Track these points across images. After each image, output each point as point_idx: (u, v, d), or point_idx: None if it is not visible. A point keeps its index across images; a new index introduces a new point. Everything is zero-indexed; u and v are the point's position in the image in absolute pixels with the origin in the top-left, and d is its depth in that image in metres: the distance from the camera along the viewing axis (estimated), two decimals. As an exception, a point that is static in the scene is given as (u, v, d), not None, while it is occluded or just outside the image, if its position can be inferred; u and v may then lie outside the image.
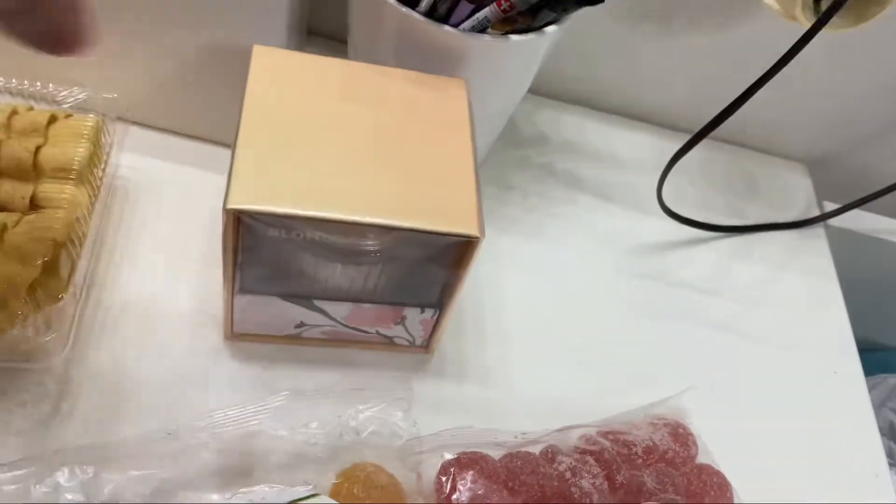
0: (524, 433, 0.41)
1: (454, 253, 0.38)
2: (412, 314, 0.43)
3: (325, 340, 0.44)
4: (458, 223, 0.37)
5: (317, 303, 0.41)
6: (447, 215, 0.37)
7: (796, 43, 0.44)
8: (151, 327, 0.42)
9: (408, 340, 0.45)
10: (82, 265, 0.40)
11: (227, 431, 0.37)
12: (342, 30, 0.52)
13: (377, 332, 0.44)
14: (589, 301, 0.52)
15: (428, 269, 0.40)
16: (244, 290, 0.40)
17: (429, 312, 0.43)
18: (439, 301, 0.42)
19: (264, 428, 0.37)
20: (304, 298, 0.41)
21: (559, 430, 0.42)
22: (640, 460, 0.43)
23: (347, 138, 0.38)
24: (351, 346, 0.45)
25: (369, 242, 0.37)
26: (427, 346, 0.46)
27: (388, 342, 0.45)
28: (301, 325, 0.43)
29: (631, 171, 0.61)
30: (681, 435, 0.45)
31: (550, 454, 0.41)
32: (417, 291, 0.42)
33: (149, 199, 0.47)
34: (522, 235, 0.55)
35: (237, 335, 0.43)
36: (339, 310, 0.42)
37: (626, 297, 0.53)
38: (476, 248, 0.37)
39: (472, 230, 0.37)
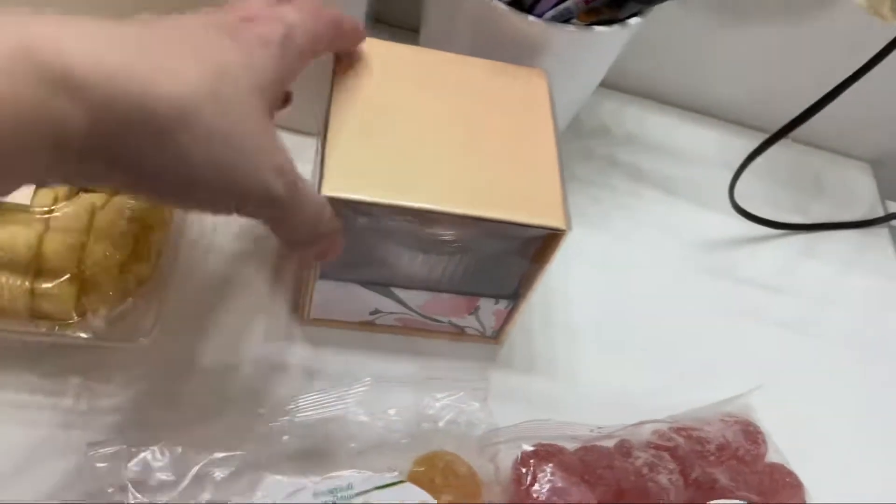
0: (599, 427, 0.41)
1: (537, 245, 0.38)
2: (486, 305, 0.43)
3: (397, 328, 0.44)
4: (545, 215, 0.37)
5: (395, 290, 0.41)
6: (533, 206, 0.37)
7: (890, 43, 0.43)
8: (231, 311, 0.43)
9: (478, 330, 0.45)
10: (168, 249, 0.40)
11: (310, 416, 0.37)
12: (408, 18, 0.52)
13: (449, 322, 0.44)
14: (656, 296, 0.52)
15: (508, 260, 0.40)
16: (325, 276, 0.40)
17: (503, 303, 0.43)
18: (515, 292, 0.42)
19: (346, 413, 0.38)
20: (382, 286, 0.41)
21: (632, 426, 0.42)
22: (713, 457, 0.42)
23: (432, 126, 0.38)
24: (422, 334, 0.45)
25: (454, 232, 0.37)
26: (497, 336, 0.46)
27: (459, 332, 0.45)
28: (376, 311, 0.43)
29: (695, 165, 0.61)
30: (751, 433, 0.45)
31: (626, 449, 0.41)
32: (495, 282, 0.41)
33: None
34: (588, 227, 0.54)
35: (312, 320, 0.43)
36: (416, 298, 0.42)
37: (692, 292, 0.53)
38: (560, 241, 0.37)
39: (558, 223, 0.36)
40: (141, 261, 0.37)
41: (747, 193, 0.56)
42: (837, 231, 0.60)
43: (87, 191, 0.38)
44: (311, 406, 0.38)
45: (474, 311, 0.43)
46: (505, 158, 0.38)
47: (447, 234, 0.38)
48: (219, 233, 0.45)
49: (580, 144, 0.60)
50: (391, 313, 0.43)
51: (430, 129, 0.38)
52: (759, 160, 0.54)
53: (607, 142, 0.60)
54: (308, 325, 0.44)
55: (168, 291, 0.40)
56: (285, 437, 0.37)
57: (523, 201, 0.37)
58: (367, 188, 0.35)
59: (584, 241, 0.53)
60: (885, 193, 0.65)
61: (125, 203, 0.38)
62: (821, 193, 0.63)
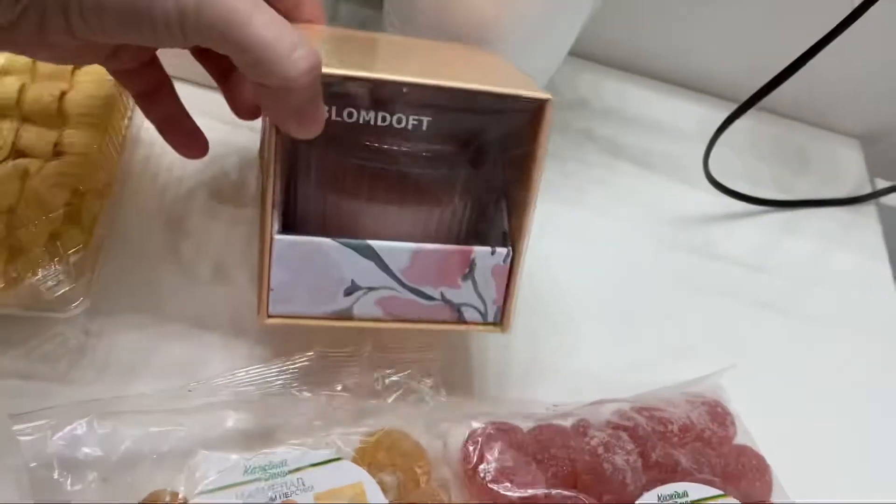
0: (555, 405, 0.39)
1: (519, 147, 0.36)
2: (482, 259, 0.37)
3: (381, 320, 0.37)
4: (525, 89, 0.34)
5: (373, 245, 0.35)
6: (509, 85, 0.34)
7: (856, 9, 0.41)
8: (174, 282, 0.41)
9: (479, 311, 0.38)
10: (105, 217, 0.38)
11: (250, 391, 0.36)
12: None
13: (443, 298, 0.37)
14: (629, 272, 0.50)
15: (491, 177, 0.38)
16: (287, 228, 0.35)
17: (501, 255, 0.37)
18: (506, 237, 0.38)
19: (288, 388, 0.36)
20: (356, 241, 0.36)
21: (592, 404, 0.40)
22: (676, 438, 0.41)
23: (395, 53, 0.38)
24: (413, 326, 0.38)
25: (427, 126, 0.35)
26: (501, 319, 0.38)
27: (457, 317, 0.38)
28: (352, 287, 0.36)
29: (674, 139, 0.59)
30: (719, 414, 0.43)
31: (582, 428, 0.39)
32: (485, 224, 0.39)
33: (173, 151, 0.46)
34: (561, 202, 0.52)
35: (275, 316, 0.35)
36: (399, 257, 0.36)
37: (668, 269, 0.51)
38: (545, 125, 0.34)
39: (541, 94, 0.34)
40: (73, 228, 0.36)
41: (728, 169, 0.55)
42: (822, 208, 0.58)
43: (21, 155, 0.37)
44: (252, 380, 0.36)
45: (469, 270, 0.37)
46: (476, 70, 0.38)
47: (422, 133, 0.35)
48: (164, 198, 0.44)
49: (557, 117, 0.57)
50: (371, 289, 0.36)
51: (393, 54, 0.39)
52: (741, 135, 0.52)
53: (585, 115, 0.58)
54: (271, 325, 0.35)
55: (103, 260, 0.38)
56: (222, 413, 0.35)
57: (498, 81, 0.34)
58: (338, 65, 0.32)
59: (557, 216, 0.51)
60: (874, 170, 0.63)
61: (59, 168, 0.36)
62: (806, 169, 0.61)
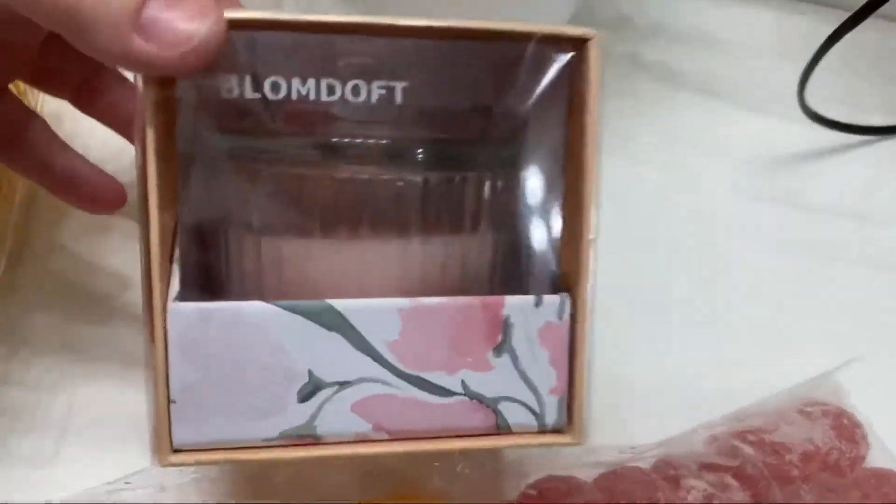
0: (633, 448, 0.29)
1: (554, 108, 0.24)
2: (523, 316, 0.24)
3: (366, 441, 0.23)
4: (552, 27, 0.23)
5: (337, 307, 0.22)
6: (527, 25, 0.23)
7: None
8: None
9: (529, 408, 0.24)
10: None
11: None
12: None
13: (465, 389, 0.24)
14: (701, 238, 0.39)
15: (520, 182, 0.25)
16: (186, 287, 0.23)
17: (551, 306, 0.24)
18: (559, 276, 0.25)
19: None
20: (310, 303, 0.23)
21: (679, 437, 0.30)
22: (797, 472, 0.30)
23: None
24: (418, 448, 0.24)
25: (403, 95, 0.23)
26: (569, 419, 0.24)
27: (493, 424, 0.24)
28: (311, 384, 0.23)
29: (745, 59, 0.47)
30: (846, 428, 0.33)
31: (672, 473, 0.28)
32: (517, 260, 0.26)
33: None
34: (605, 153, 0.41)
35: (184, 451, 0.22)
36: (383, 322, 0.23)
37: (749, 228, 0.40)
38: (593, 78, 0.23)
39: (576, 30, 0.23)
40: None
41: (815, 91, 0.43)
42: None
43: None
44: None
45: (504, 337, 0.24)
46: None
47: (399, 123, 0.23)
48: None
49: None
50: (342, 384, 0.23)
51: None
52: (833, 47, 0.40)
53: (628, 36, 0.46)
54: (174, 466, 0.22)
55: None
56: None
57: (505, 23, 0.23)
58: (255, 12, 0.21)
59: (604, 171, 0.40)
60: None
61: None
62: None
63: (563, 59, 0.23)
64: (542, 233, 0.26)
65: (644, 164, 0.41)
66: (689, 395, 0.33)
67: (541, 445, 0.24)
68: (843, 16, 0.39)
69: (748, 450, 0.30)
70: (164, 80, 0.21)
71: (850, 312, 0.38)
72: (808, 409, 0.32)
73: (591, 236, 0.23)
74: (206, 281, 0.24)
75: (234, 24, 0.20)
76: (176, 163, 0.22)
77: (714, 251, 0.39)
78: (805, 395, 0.33)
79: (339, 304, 0.22)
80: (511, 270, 0.26)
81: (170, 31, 0.19)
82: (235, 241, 0.24)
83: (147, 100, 0.21)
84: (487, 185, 0.25)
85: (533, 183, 0.25)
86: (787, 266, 0.39)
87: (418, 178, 0.24)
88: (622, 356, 0.34)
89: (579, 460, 0.28)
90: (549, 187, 0.25)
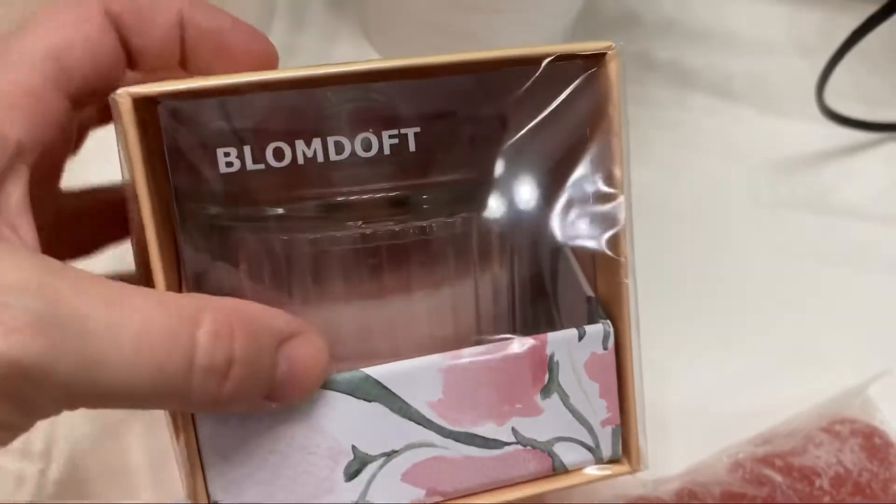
0: (655, 479, 0.27)
1: (569, 128, 0.23)
2: (567, 351, 0.23)
3: None
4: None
5: (374, 376, 0.21)
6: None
7: None
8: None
9: (584, 445, 0.23)
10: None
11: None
12: None
13: (516, 437, 0.22)
14: (716, 243, 0.38)
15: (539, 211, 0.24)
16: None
17: (595, 336, 0.23)
18: (596, 303, 0.24)
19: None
20: (346, 375, 0.21)
21: (700, 465, 0.28)
22: (828, 498, 0.29)
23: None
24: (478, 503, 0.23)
25: (416, 142, 0.21)
26: (625, 449, 0.24)
27: (550, 467, 0.23)
28: (356, 461, 0.21)
29: (758, 55, 0.45)
30: (877, 448, 0.31)
31: (695, 505, 0.27)
32: (544, 293, 0.26)
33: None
34: (618, 158, 0.39)
35: None
36: (424, 384, 0.22)
37: (768, 235, 0.39)
38: (613, 91, 0.22)
39: (594, 44, 0.21)
40: None
41: (831, 88, 0.41)
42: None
43: None
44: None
45: (550, 377, 0.22)
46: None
47: (412, 171, 0.22)
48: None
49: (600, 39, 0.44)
50: (389, 455, 0.21)
51: None
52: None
53: (638, 34, 0.45)
54: None
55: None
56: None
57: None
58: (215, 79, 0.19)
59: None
60: None
61: None
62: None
63: (579, 76, 0.22)
64: (566, 261, 0.25)
65: (656, 169, 0.40)
66: (709, 418, 0.31)
67: (601, 479, 0.23)
68: (860, 8, 0.37)
69: (776, 476, 0.28)
70: (159, 186, 0.20)
71: (878, 321, 0.36)
72: (837, 427, 0.31)
73: (627, 253, 0.23)
74: None
75: (227, 90, 0.19)
76: (174, 249, 0.21)
77: (731, 262, 0.37)
78: (833, 412, 0.31)
79: (376, 372, 0.21)
80: (534, 304, 0.25)
81: (298, 390, 0.20)
82: None
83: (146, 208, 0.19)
84: (500, 220, 0.23)
85: (551, 210, 0.23)
86: (809, 274, 0.37)
87: (426, 224, 0.23)
88: (650, 371, 0.33)
89: (599, 495, 0.27)
90: (570, 211, 0.23)
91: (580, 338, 0.22)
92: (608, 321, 0.23)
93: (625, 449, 0.23)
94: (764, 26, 0.46)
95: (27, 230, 0.18)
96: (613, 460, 0.23)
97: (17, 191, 0.18)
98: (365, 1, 0.40)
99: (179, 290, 0.21)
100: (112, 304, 0.16)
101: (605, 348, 0.23)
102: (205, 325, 0.17)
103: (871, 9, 0.36)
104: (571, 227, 0.23)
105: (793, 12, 0.47)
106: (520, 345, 0.22)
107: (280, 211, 0.22)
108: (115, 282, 0.17)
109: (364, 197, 0.22)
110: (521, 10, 0.37)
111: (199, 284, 0.21)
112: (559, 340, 0.22)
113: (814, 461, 0.29)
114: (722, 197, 0.40)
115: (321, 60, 0.40)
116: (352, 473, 0.21)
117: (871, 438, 0.31)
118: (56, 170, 0.22)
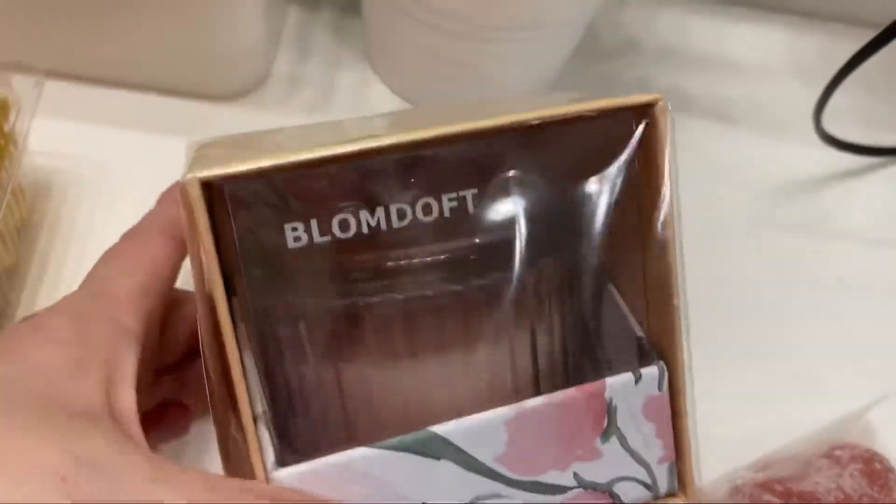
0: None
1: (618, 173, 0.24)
2: (624, 395, 0.23)
3: None
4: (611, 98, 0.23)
5: (442, 434, 0.21)
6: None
7: None
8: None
9: (642, 483, 0.24)
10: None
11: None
12: None
13: (579, 482, 0.23)
14: (717, 266, 0.38)
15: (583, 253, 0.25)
16: (293, 450, 0.22)
17: (650, 378, 0.23)
18: (646, 341, 0.25)
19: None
20: (414, 436, 0.21)
21: (699, 490, 0.28)
22: (828, 523, 0.29)
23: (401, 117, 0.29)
24: None
25: (474, 203, 0.23)
26: (680, 481, 0.25)
27: None
28: None
29: (759, 81, 0.45)
30: (877, 473, 0.31)
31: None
32: (590, 337, 0.26)
33: (83, 193, 0.35)
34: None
35: None
36: (489, 438, 0.22)
37: (769, 257, 0.39)
38: (662, 147, 0.23)
39: (644, 97, 0.23)
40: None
41: (831, 112, 0.41)
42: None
43: None
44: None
45: (609, 422, 0.23)
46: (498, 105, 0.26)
47: (470, 231, 0.23)
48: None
49: (601, 69, 0.45)
50: None
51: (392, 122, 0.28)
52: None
53: (637, 61, 0.45)
54: None
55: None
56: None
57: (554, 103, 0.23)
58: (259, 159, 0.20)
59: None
60: None
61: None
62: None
63: (630, 132, 0.23)
64: (612, 303, 0.26)
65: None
66: (709, 443, 0.31)
67: None
68: (858, 33, 0.37)
69: (776, 501, 0.28)
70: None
71: (877, 345, 0.36)
72: (837, 452, 0.31)
73: (676, 288, 0.24)
74: (290, 430, 0.23)
75: (298, 166, 0.19)
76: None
77: (730, 286, 0.38)
78: (833, 437, 0.31)
79: (443, 430, 0.21)
80: (582, 347, 0.25)
81: None
82: (313, 376, 0.23)
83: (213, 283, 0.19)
84: (550, 270, 0.24)
85: (590, 259, 0.24)
86: (809, 298, 0.38)
87: (478, 283, 0.23)
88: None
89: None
90: (604, 260, 0.24)
91: (637, 381, 0.23)
92: (661, 362, 0.24)
93: (680, 482, 0.24)
94: (763, 51, 0.47)
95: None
96: (670, 494, 0.24)
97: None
98: (367, 29, 0.41)
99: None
100: None
101: (661, 390, 0.23)
102: None
103: (870, 34, 0.36)
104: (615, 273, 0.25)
105: (792, 38, 0.48)
106: (581, 392, 0.22)
107: (347, 276, 0.22)
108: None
109: (427, 260, 0.23)
110: (515, 40, 0.37)
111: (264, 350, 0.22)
112: (617, 385, 0.23)
113: (814, 486, 0.29)
114: (722, 221, 0.40)
115: (326, 88, 0.41)
116: None
117: (870, 463, 0.31)
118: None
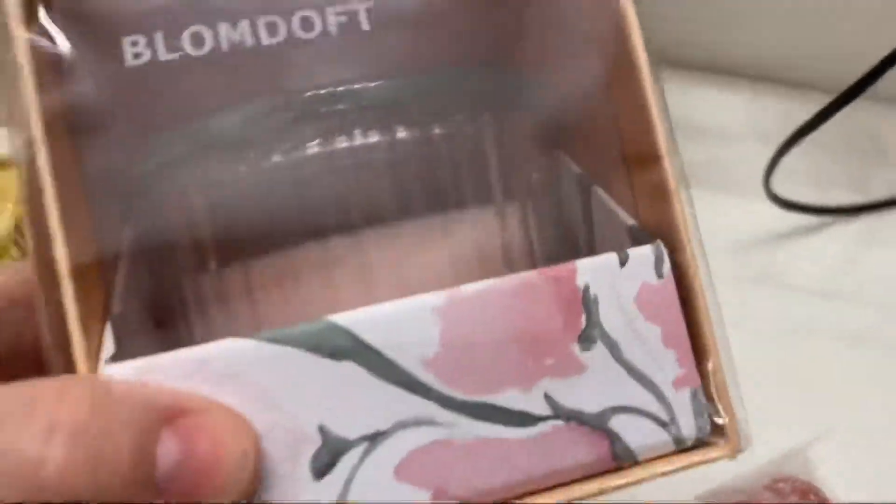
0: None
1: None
2: (604, 279, 0.17)
3: None
4: None
5: (341, 323, 0.15)
6: None
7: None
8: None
9: (654, 417, 0.17)
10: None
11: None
12: None
13: (553, 408, 0.16)
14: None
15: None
16: (123, 345, 0.16)
17: (643, 259, 0.17)
18: (639, 229, 0.19)
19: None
20: (306, 326, 0.15)
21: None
22: (766, 550, 0.32)
23: None
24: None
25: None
26: (713, 422, 0.18)
27: (608, 451, 0.16)
28: (328, 446, 0.15)
29: (720, 142, 0.49)
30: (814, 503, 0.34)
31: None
32: (573, 235, 0.20)
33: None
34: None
35: None
36: (411, 329, 0.15)
37: (727, 308, 0.42)
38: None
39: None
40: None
41: (785, 170, 0.45)
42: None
43: None
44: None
45: (588, 317, 0.17)
46: None
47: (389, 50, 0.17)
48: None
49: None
50: (374, 437, 0.15)
51: None
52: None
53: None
54: None
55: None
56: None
57: None
58: None
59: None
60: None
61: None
62: (886, 162, 0.50)
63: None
64: (600, 195, 0.19)
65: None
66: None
67: (689, 468, 0.17)
68: (816, 98, 0.41)
69: (718, 530, 0.31)
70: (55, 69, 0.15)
71: (821, 387, 0.39)
72: (779, 485, 0.34)
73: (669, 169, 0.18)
74: (152, 339, 0.18)
75: None
76: (78, 172, 0.16)
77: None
78: (775, 470, 0.34)
79: (344, 319, 0.15)
80: (564, 243, 0.20)
81: (204, 485, 0.14)
82: (188, 275, 0.18)
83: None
84: (508, 129, 0.18)
85: (575, 117, 0.18)
86: (760, 343, 0.41)
87: (415, 135, 0.17)
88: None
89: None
90: (596, 118, 0.18)
91: (622, 263, 0.17)
92: (659, 241, 0.18)
93: (720, 424, 0.17)
94: (724, 114, 0.51)
95: None
96: (700, 441, 0.17)
97: None
98: None
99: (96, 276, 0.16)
100: None
101: (661, 276, 0.17)
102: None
103: (827, 98, 0.40)
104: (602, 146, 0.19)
105: (751, 101, 0.52)
106: (543, 276, 0.16)
107: (222, 122, 0.17)
108: None
109: (321, 93, 0.17)
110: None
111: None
112: (594, 267, 0.16)
113: (755, 516, 0.32)
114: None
115: None
116: (322, 467, 0.15)
117: (807, 495, 0.34)
118: None
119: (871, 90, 0.53)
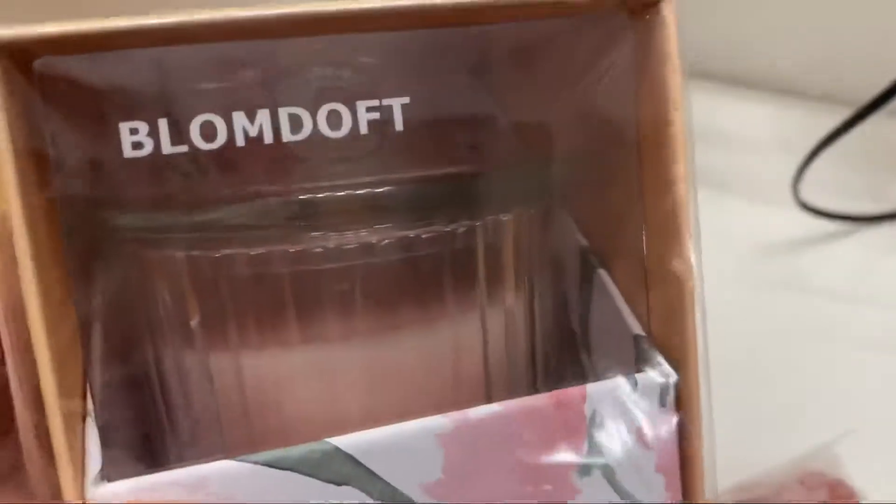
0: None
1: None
2: (612, 405, 0.17)
3: None
4: None
5: (342, 447, 0.15)
6: None
7: None
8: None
9: None
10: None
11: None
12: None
13: None
14: (706, 320, 0.42)
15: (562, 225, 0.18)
16: (110, 454, 0.14)
17: (650, 387, 0.17)
18: (647, 340, 0.18)
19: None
20: (304, 448, 0.15)
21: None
22: (797, 538, 0.33)
23: None
24: None
25: (404, 117, 0.15)
26: None
27: None
28: None
29: (746, 151, 0.51)
30: (842, 497, 0.35)
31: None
32: (573, 340, 0.20)
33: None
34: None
35: None
36: (414, 455, 0.15)
37: (752, 312, 0.43)
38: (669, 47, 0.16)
39: None
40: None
41: (810, 178, 0.47)
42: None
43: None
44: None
45: (590, 444, 0.16)
46: None
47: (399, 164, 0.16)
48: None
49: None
50: None
51: None
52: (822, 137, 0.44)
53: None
54: None
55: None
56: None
57: None
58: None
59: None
60: None
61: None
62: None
63: (621, 32, 0.16)
64: (604, 285, 0.18)
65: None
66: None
67: None
68: (838, 110, 0.43)
69: (752, 518, 0.33)
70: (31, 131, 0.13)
71: (846, 388, 0.41)
72: (809, 479, 0.35)
73: (693, 281, 0.17)
74: (135, 436, 0.17)
75: (131, 39, 0.13)
76: (59, 256, 0.15)
77: (717, 332, 0.42)
78: (805, 465, 0.36)
79: (347, 442, 0.14)
80: (560, 348, 0.20)
81: None
82: (171, 365, 0.17)
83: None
84: (511, 230, 0.17)
85: (580, 214, 0.17)
86: (785, 347, 0.42)
87: (413, 234, 0.16)
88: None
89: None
90: (604, 218, 0.18)
91: (633, 386, 0.17)
92: (666, 365, 0.17)
93: None
94: (750, 123, 0.52)
95: None
96: None
97: None
98: None
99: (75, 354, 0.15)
100: None
101: (664, 404, 0.17)
102: None
103: (848, 111, 0.42)
104: (606, 240, 0.17)
105: (778, 110, 0.53)
106: (552, 400, 0.16)
107: (210, 216, 0.15)
108: None
109: (325, 196, 0.15)
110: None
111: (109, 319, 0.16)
112: (604, 392, 0.16)
113: (785, 506, 0.33)
114: (708, 277, 0.45)
115: None
116: None
117: (836, 489, 0.35)
118: None
119: (892, 103, 0.55)
